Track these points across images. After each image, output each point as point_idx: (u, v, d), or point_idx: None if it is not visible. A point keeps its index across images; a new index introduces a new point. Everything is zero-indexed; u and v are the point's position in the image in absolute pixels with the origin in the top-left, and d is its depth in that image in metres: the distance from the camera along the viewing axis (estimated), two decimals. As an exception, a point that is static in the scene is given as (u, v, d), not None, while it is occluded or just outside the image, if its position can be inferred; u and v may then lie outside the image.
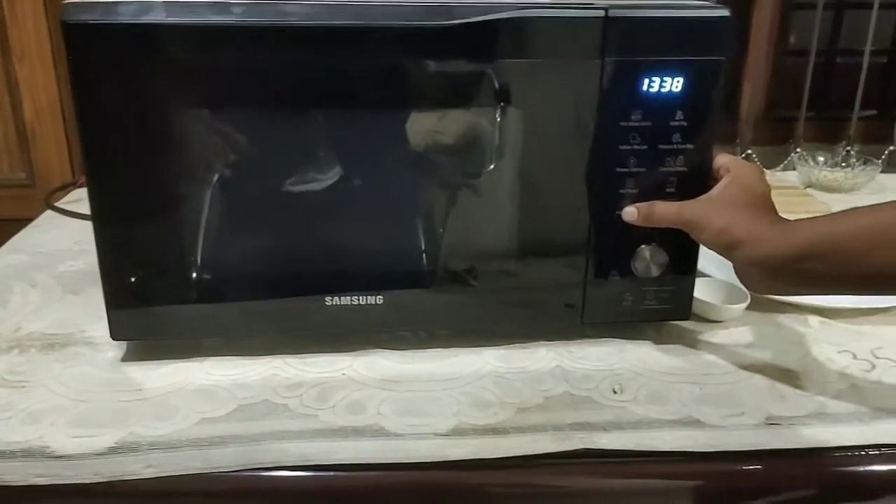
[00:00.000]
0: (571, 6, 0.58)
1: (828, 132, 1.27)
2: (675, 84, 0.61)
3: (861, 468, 0.56)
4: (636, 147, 0.62)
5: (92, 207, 0.60)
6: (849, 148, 1.21)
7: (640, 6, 0.59)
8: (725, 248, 0.58)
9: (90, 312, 0.71)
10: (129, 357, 0.65)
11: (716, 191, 0.62)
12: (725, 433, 0.56)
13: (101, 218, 0.60)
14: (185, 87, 0.58)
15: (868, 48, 1.22)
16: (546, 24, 0.58)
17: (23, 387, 0.61)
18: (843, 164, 1.16)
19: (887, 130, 1.24)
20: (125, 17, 0.54)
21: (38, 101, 1.08)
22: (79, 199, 1.03)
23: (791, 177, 1.17)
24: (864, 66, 1.23)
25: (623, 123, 0.61)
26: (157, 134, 0.59)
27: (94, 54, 0.55)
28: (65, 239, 0.91)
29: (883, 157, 1.20)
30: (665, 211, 0.62)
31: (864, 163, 1.15)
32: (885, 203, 0.54)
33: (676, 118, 0.62)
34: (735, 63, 1.27)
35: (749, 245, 0.57)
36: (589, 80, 0.60)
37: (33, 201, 1.04)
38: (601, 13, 0.58)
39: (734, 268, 0.60)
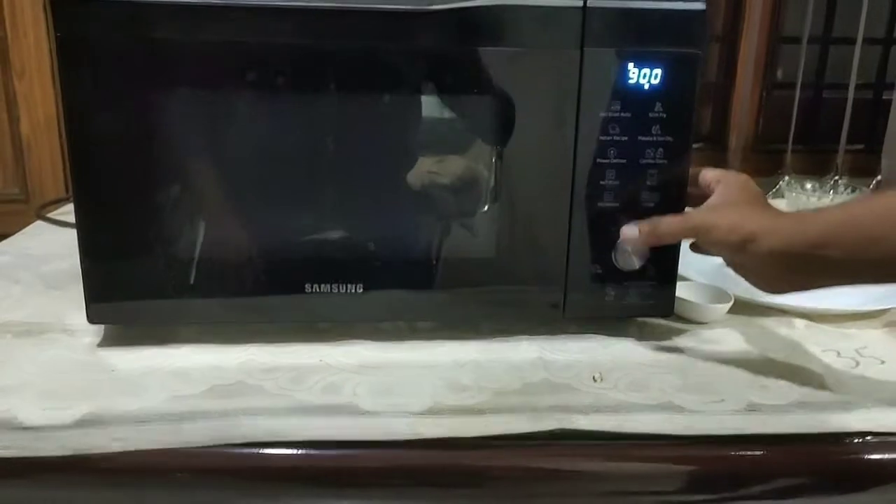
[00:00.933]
0: (552, -4, 0.60)
1: (816, 164, 1.28)
2: (653, 76, 0.62)
3: (845, 456, 0.55)
4: (616, 138, 0.63)
5: (74, 189, 0.61)
6: (836, 178, 1.22)
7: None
8: (739, 245, 0.56)
9: (71, 305, 0.70)
10: (105, 343, 0.64)
11: (714, 198, 0.61)
12: (705, 417, 0.56)
13: (82, 199, 0.61)
14: (170, 67, 0.59)
15: (853, 82, 1.24)
16: (526, 12, 0.59)
17: (-5, 366, 0.60)
18: (832, 192, 1.17)
19: (874, 163, 1.25)
20: (114, -6, 0.55)
21: (35, 116, 1.10)
22: (70, 212, 1.03)
23: (780, 204, 1.18)
24: (850, 99, 1.25)
25: (603, 114, 0.62)
26: (140, 116, 0.59)
27: (80, 31, 0.56)
28: (53, 244, 0.90)
29: (871, 186, 1.21)
30: (671, 223, 0.61)
31: (852, 191, 1.16)
32: None
33: (656, 110, 0.62)
34: (723, 95, 1.29)
35: (765, 237, 0.55)
36: (569, 70, 0.61)
37: (26, 217, 1.04)
38: (580, 2, 0.59)
39: (745, 269, 0.59)
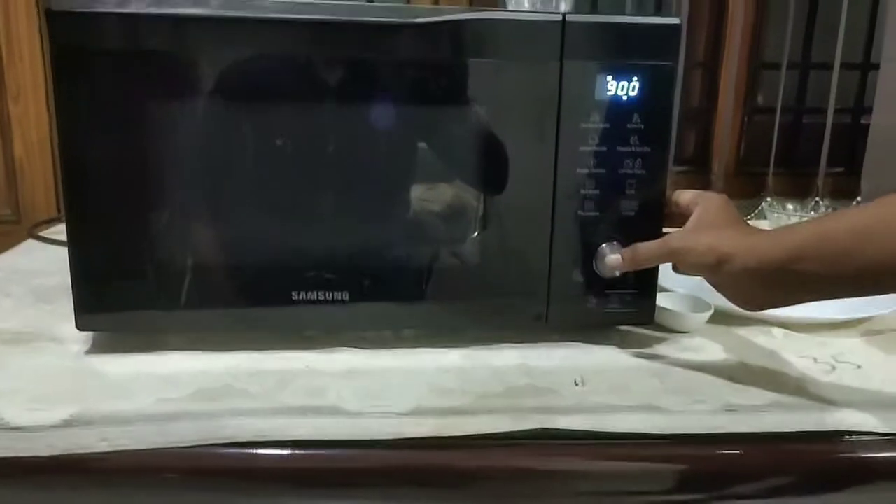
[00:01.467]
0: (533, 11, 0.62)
1: (798, 187, 1.31)
2: (631, 87, 0.64)
3: (822, 455, 0.56)
4: (595, 148, 0.65)
5: (65, 198, 0.62)
6: (817, 199, 1.25)
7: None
8: (715, 266, 0.58)
9: (61, 318, 0.71)
10: (93, 350, 0.65)
11: (692, 221, 0.63)
12: (684, 417, 0.57)
13: (73, 208, 0.62)
14: (161, 78, 0.60)
15: (831, 107, 1.27)
16: (508, 25, 0.62)
17: (-17, 372, 0.61)
18: (813, 213, 1.19)
19: (854, 185, 1.27)
20: (108, 6, 0.57)
21: (28, 138, 1.11)
22: (62, 232, 1.04)
23: (763, 225, 1.20)
24: (829, 124, 1.28)
25: (583, 125, 0.64)
26: (132, 127, 0.61)
27: (75, 43, 0.58)
28: (44, 261, 0.91)
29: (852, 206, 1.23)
30: (649, 248, 0.63)
31: (833, 210, 1.18)
32: (876, 201, 0.53)
33: (633, 121, 0.64)
34: (706, 119, 1.32)
35: (740, 256, 0.56)
36: (549, 82, 0.63)
37: (17, 237, 1.05)
38: (559, 17, 0.62)
39: (724, 288, 0.60)
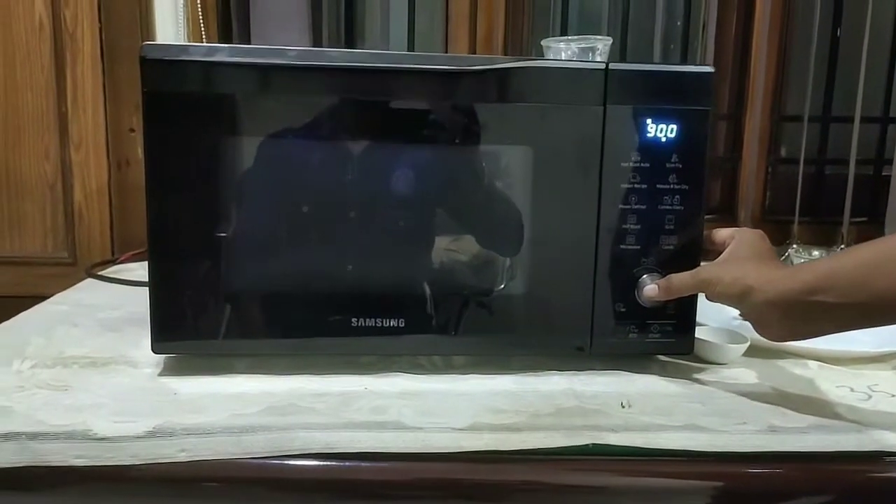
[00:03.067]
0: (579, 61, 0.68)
1: (822, 235, 1.34)
2: (669, 130, 0.69)
3: (861, 475, 0.59)
4: (637, 186, 0.69)
5: (148, 230, 0.67)
6: (842, 247, 1.28)
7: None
8: (739, 296, 0.62)
9: (129, 344, 0.76)
10: (165, 372, 0.69)
11: (725, 254, 0.68)
12: (728, 437, 0.59)
13: (156, 239, 0.67)
14: (238, 120, 0.66)
15: (853, 159, 1.31)
16: (556, 73, 0.67)
17: (65, 389, 0.65)
18: (839, 260, 1.22)
19: (878, 233, 1.31)
20: (195, 56, 0.63)
21: (88, 184, 1.18)
22: (117, 272, 1.10)
23: (789, 271, 1.23)
24: (851, 175, 1.32)
25: (624, 164, 0.69)
26: (210, 162, 0.66)
27: (165, 88, 0.64)
28: (105, 297, 0.96)
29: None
30: (682, 278, 0.68)
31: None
32: (884, 237, 0.58)
33: (672, 160, 0.69)
34: (731, 169, 1.37)
35: (762, 288, 0.61)
36: (593, 125, 0.68)
37: (73, 280, 1.10)
38: (603, 66, 0.67)
39: (750, 318, 0.64)
